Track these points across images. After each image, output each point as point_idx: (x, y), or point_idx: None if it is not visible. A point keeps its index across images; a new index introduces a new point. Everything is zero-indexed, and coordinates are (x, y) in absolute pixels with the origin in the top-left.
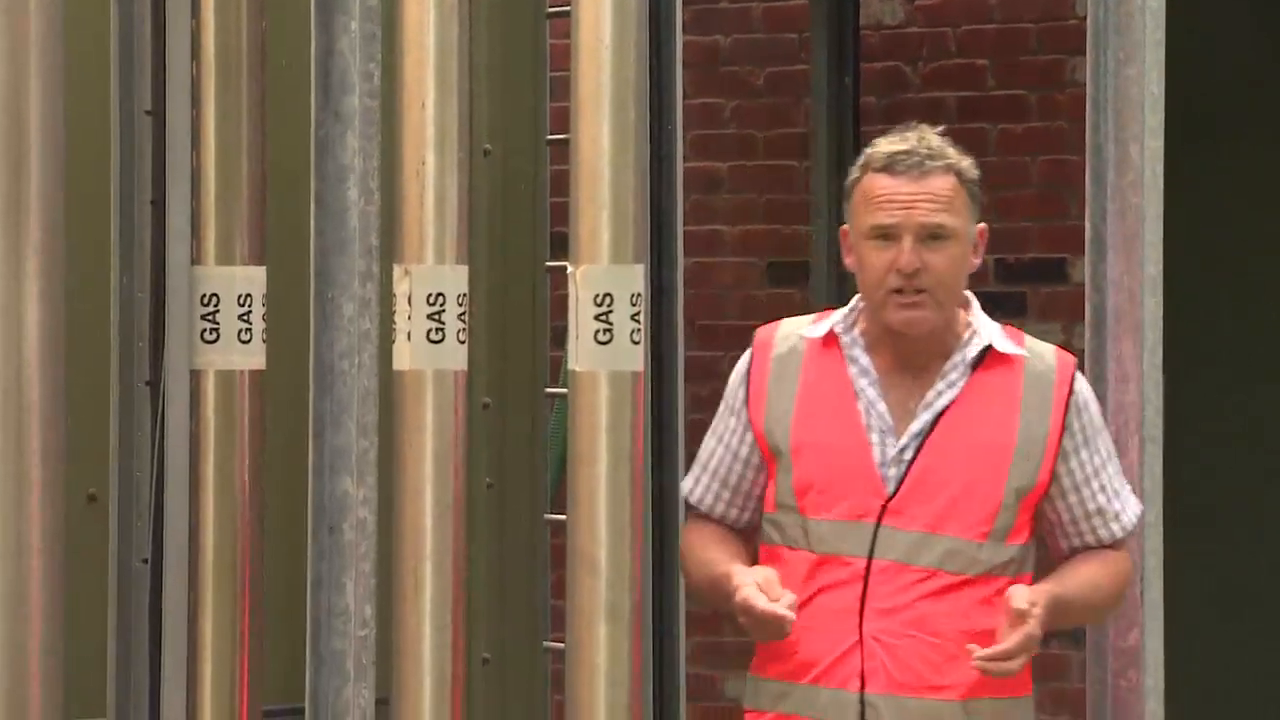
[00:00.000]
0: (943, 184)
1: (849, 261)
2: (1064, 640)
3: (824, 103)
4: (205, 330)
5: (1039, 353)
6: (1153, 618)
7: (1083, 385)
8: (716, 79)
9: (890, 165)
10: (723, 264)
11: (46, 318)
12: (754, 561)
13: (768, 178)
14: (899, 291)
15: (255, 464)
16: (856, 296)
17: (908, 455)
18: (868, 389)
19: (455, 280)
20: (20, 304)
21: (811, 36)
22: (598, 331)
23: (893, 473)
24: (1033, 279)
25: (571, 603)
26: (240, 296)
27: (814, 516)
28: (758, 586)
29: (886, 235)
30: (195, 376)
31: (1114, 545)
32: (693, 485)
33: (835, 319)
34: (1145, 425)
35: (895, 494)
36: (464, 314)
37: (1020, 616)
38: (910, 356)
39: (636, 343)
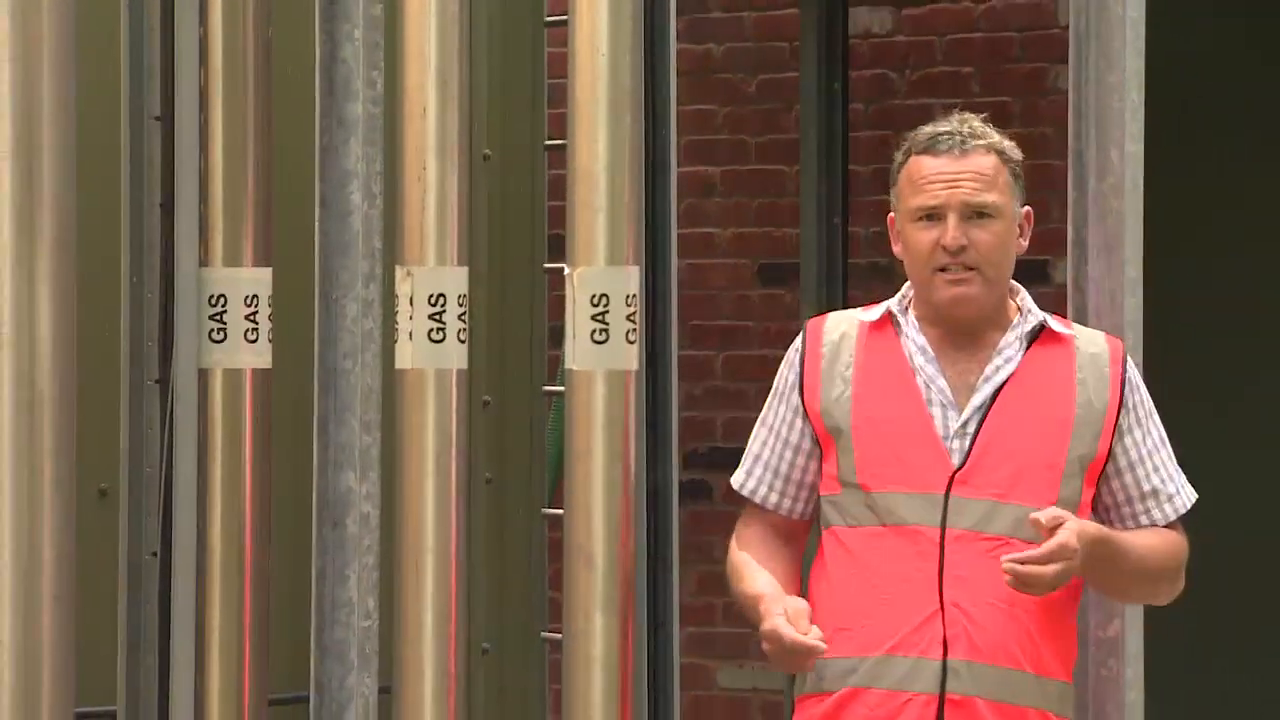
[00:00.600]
0: (986, 162)
1: (897, 249)
2: None
3: (813, 109)
4: (213, 330)
5: (1089, 336)
6: (1133, 609)
7: (1134, 367)
8: (709, 86)
9: (933, 146)
10: (715, 265)
11: (59, 317)
12: (798, 568)
13: (759, 182)
14: (945, 270)
15: (261, 460)
16: (906, 285)
17: (971, 428)
18: (925, 366)
19: (455, 281)
20: (33, 304)
21: (801, 45)
22: (594, 331)
23: (957, 445)
24: (1016, 280)
25: (568, 594)
26: (247, 297)
27: (880, 490)
28: (786, 618)
29: (932, 215)
30: (203, 375)
31: (1169, 528)
32: (744, 478)
33: (889, 303)
34: None
35: (962, 465)
36: (464, 314)
37: (1050, 526)
38: (964, 335)
39: (632, 342)
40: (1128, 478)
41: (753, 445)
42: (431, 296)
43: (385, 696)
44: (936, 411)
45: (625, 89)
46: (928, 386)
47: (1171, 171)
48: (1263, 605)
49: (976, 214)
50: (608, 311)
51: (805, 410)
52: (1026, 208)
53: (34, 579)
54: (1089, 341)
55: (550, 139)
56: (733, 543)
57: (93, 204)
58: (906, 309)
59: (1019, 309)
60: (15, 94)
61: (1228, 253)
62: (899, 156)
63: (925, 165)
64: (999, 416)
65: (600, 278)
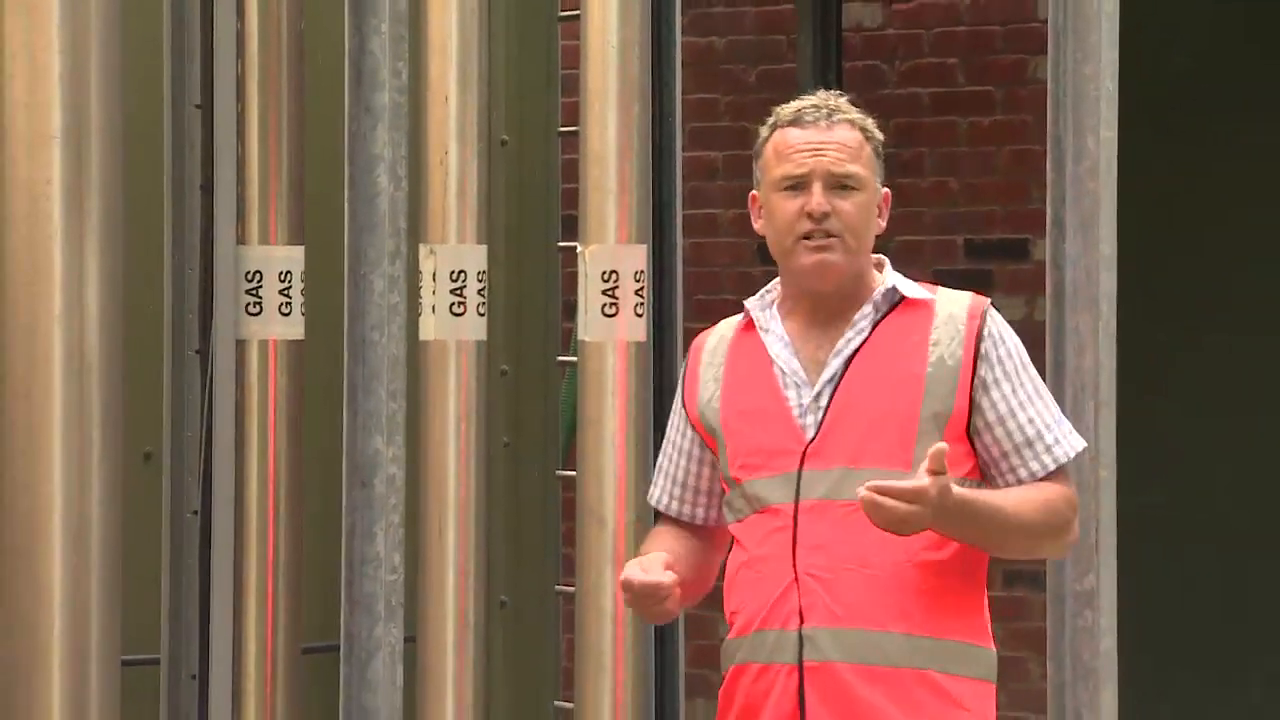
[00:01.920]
0: (850, 136)
1: (758, 226)
2: (1026, 584)
3: None
4: (249, 304)
5: (951, 297)
6: (1107, 564)
7: (997, 321)
8: (712, 76)
9: (798, 118)
10: (718, 244)
11: (106, 292)
12: (708, 560)
13: None
14: (809, 237)
15: (294, 425)
16: (773, 281)
17: (823, 401)
18: (781, 351)
19: (475, 259)
20: (82, 280)
21: (798, 38)
22: (604, 305)
23: (810, 420)
24: (998, 257)
25: (580, 551)
26: (281, 273)
27: (748, 479)
28: (639, 566)
29: (797, 184)
30: (240, 346)
31: (1050, 478)
32: (653, 489)
33: (748, 303)
34: (1100, 390)
35: (814, 438)
36: (483, 289)
37: (935, 461)
38: (823, 312)
39: (640, 316)
40: (999, 430)
41: (660, 458)
42: (453, 273)
43: (410, 645)
44: (791, 393)
45: (633, 79)
46: (783, 372)
47: (1143, 156)
48: (1239, 560)
49: (840, 184)
50: (617, 287)
51: (689, 417)
52: (885, 189)
53: (83, 536)
54: (950, 302)
55: (563, 126)
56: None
57: (137, 186)
58: (771, 304)
59: (881, 281)
60: (65, 84)
61: (1202, 230)
62: (764, 131)
63: (791, 136)
64: (849, 386)
65: (610, 255)
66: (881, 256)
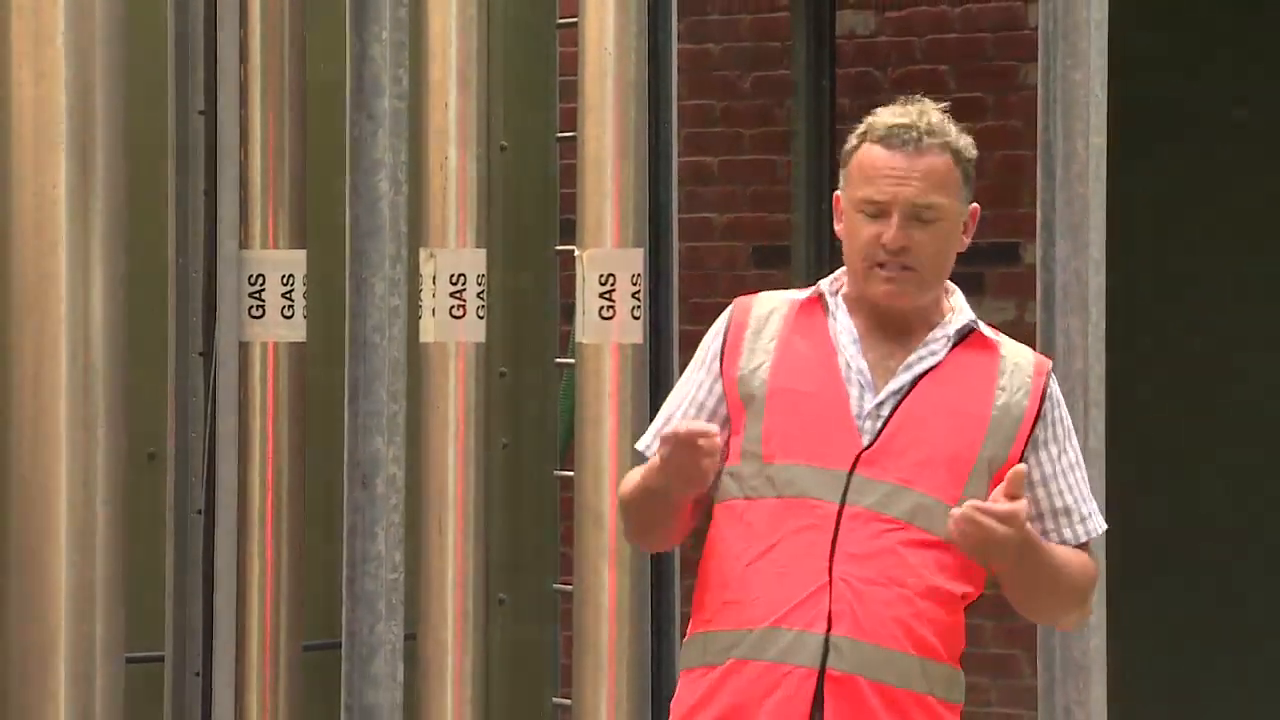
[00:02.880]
0: (938, 162)
1: (839, 228)
2: None
3: (804, 104)
4: (252, 307)
5: (1017, 349)
6: (1096, 562)
7: (1057, 387)
8: (708, 82)
9: (888, 138)
10: (713, 248)
11: (110, 296)
12: (695, 511)
13: (753, 171)
14: (882, 266)
15: (297, 426)
16: (841, 269)
17: (885, 411)
18: (849, 345)
19: (475, 262)
20: (88, 283)
21: (793, 45)
22: (602, 308)
23: (869, 425)
24: (990, 261)
25: (578, 550)
26: (283, 277)
27: (781, 461)
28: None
29: (877, 209)
30: (243, 348)
31: (1080, 549)
32: (650, 439)
33: (821, 284)
34: (1090, 391)
35: (871, 445)
36: (482, 292)
37: (1016, 485)
38: (893, 324)
39: (636, 318)
40: (1040, 491)
41: (664, 410)
42: (452, 276)
43: (411, 643)
44: (854, 391)
45: (630, 85)
46: (848, 366)
47: (1131, 161)
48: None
49: (921, 215)
50: (614, 290)
51: (723, 376)
52: (974, 205)
53: (88, 535)
54: (1015, 353)
55: (561, 131)
56: (620, 488)
57: (142, 190)
58: (838, 292)
59: (952, 309)
60: (70, 89)
61: (1181, 235)
62: (854, 139)
63: (877, 157)
64: (914, 404)
65: (608, 259)
66: (952, 285)
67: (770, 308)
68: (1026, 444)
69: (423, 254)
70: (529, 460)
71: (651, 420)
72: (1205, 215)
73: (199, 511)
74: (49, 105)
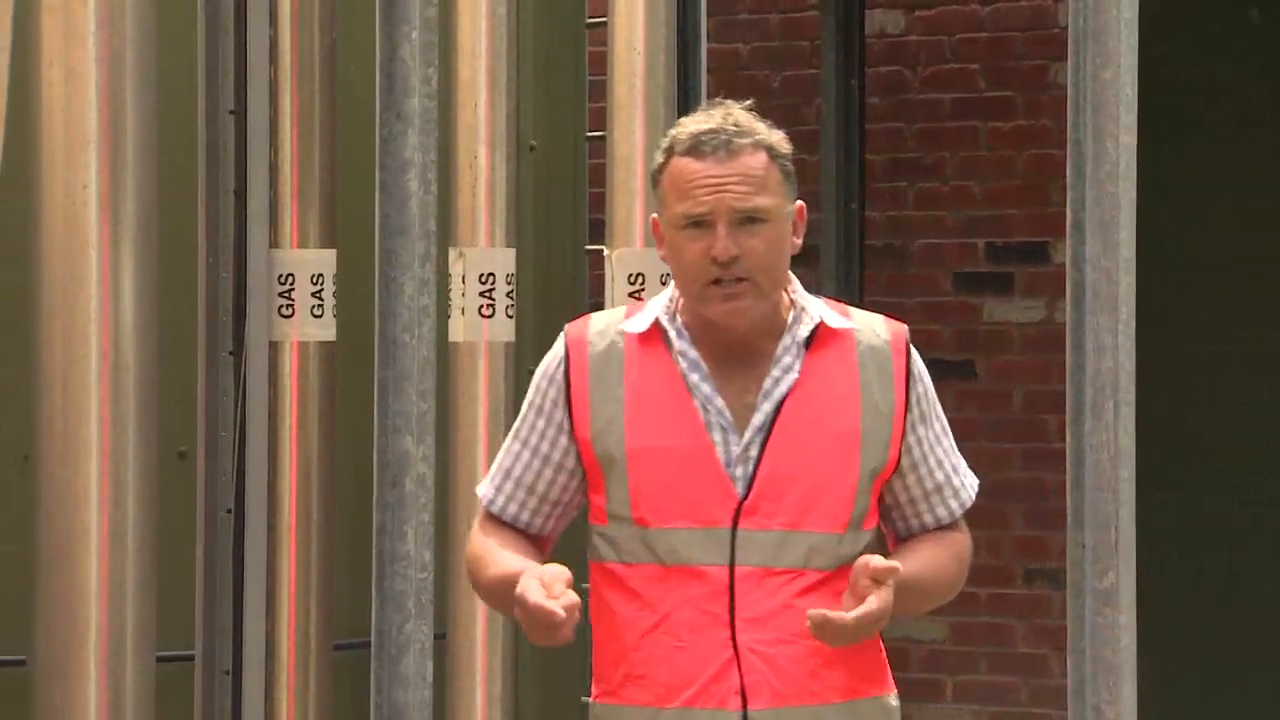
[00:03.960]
0: (754, 162)
1: (663, 253)
2: (1046, 581)
3: (833, 103)
4: (282, 306)
5: (868, 324)
6: (1126, 562)
7: (917, 355)
8: (737, 82)
9: (696, 147)
10: None
11: (142, 294)
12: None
13: None
14: (718, 283)
15: (326, 425)
16: (673, 285)
17: (753, 451)
18: (701, 384)
19: (504, 262)
20: (119, 282)
21: (822, 44)
22: None
23: (740, 472)
24: (1019, 260)
25: None
26: (313, 276)
27: (659, 526)
28: (540, 581)
29: (699, 223)
30: (273, 347)
31: (953, 525)
32: (493, 493)
33: (655, 311)
34: (1120, 390)
35: (747, 495)
36: (511, 291)
37: (876, 579)
38: (738, 346)
39: None
40: (911, 477)
41: (504, 459)
42: (482, 275)
43: (440, 642)
44: (717, 436)
45: (660, 85)
46: (705, 408)
47: (1162, 161)
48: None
49: (747, 219)
50: (643, 289)
51: (574, 433)
52: (799, 203)
53: (119, 534)
54: (869, 332)
55: (590, 131)
56: (474, 538)
57: (172, 190)
58: (675, 316)
59: (791, 304)
60: (101, 90)
61: (1211, 233)
62: (659, 156)
63: (689, 169)
64: (783, 436)
65: (636, 258)
66: (789, 273)
67: (607, 342)
68: (903, 437)
69: (452, 253)
70: None
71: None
72: (1214, 212)
73: (229, 510)
74: (79, 105)
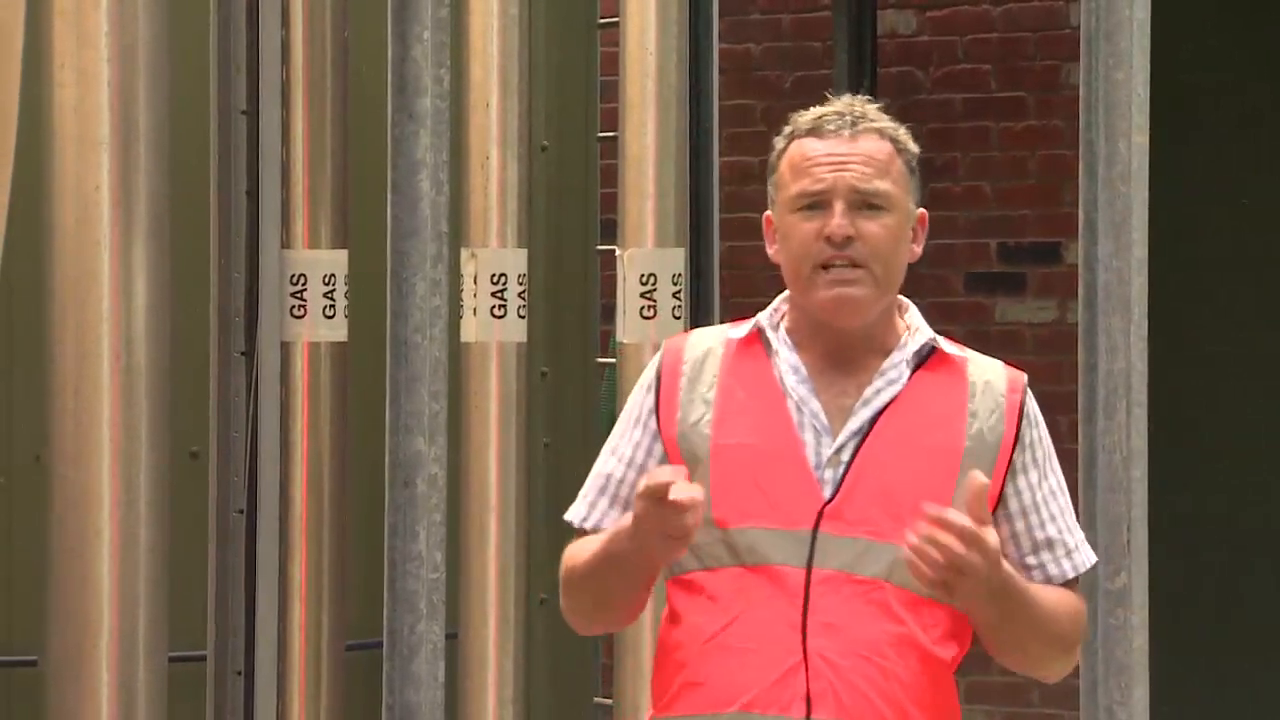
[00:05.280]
0: (879, 148)
1: (773, 252)
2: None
3: None
4: (294, 306)
5: (984, 364)
6: (1138, 563)
7: (1034, 403)
8: (749, 82)
9: (818, 127)
10: (753, 247)
11: (153, 294)
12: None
13: None
14: (828, 268)
15: (338, 425)
16: (780, 296)
17: (845, 455)
18: (798, 386)
19: (516, 262)
20: (131, 283)
21: (834, 44)
22: (643, 308)
23: (829, 475)
24: (1031, 260)
25: None
26: (325, 277)
27: (738, 525)
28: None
29: (815, 202)
30: (285, 348)
31: (1067, 586)
32: (586, 511)
33: (759, 318)
34: (1132, 391)
35: (833, 497)
36: (524, 292)
37: (975, 499)
38: (844, 353)
39: (678, 318)
40: (1020, 524)
41: (595, 476)
42: (494, 276)
43: (452, 642)
44: (808, 437)
45: (671, 85)
46: (799, 410)
47: (1173, 161)
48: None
49: (866, 203)
50: (655, 289)
51: (661, 435)
52: (922, 210)
53: (132, 534)
54: (985, 370)
55: (602, 131)
56: (569, 552)
57: (184, 190)
58: (779, 324)
59: (907, 327)
60: (113, 90)
61: (1223, 233)
62: (779, 142)
63: (809, 148)
64: (877, 444)
65: (649, 258)
66: (904, 299)
67: (705, 348)
68: (1006, 474)
69: (464, 254)
70: (570, 460)
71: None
72: (1252, 213)
73: (241, 511)
74: (91, 106)
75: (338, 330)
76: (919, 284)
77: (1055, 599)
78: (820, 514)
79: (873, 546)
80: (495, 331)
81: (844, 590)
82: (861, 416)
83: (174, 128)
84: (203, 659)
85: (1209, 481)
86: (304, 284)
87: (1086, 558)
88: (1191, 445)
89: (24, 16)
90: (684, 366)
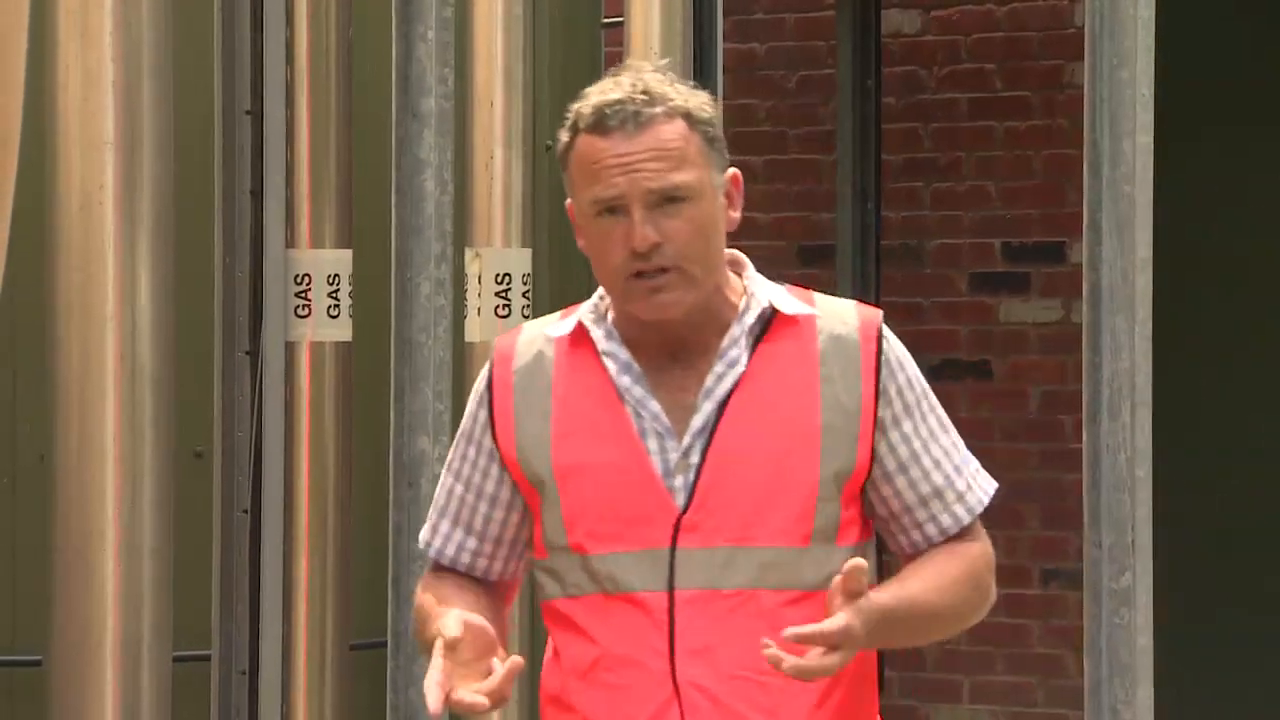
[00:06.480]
0: (669, 133)
1: (582, 244)
2: (1063, 582)
3: (849, 103)
4: (298, 306)
5: (834, 310)
6: (1143, 562)
7: (894, 343)
8: (753, 82)
9: (600, 122)
10: (758, 246)
11: (158, 294)
12: (502, 614)
13: (798, 170)
14: (640, 276)
15: (342, 425)
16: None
17: (694, 458)
18: (632, 387)
19: (520, 262)
20: (135, 283)
21: (838, 44)
22: None
23: (679, 482)
24: (1035, 260)
25: None
26: (329, 276)
27: (595, 552)
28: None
29: (611, 208)
30: (290, 347)
31: (963, 534)
32: (430, 535)
33: (582, 311)
34: (1136, 390)
35: (688, 507)
36: (528, 292)
37: (855, 580)
38: (678, 342)
39: None
40: (900, 480)
41: (438, 497)
42: (498, 275)
43: None
44: (652, 444)
45: None
46: (638, 413)
47: (1178, 160)
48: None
49: (665, 200)
50: None
51: (500, 456)
52: (732, 170)
53: (136, 534)
54: (834, 319)
55: None
56: (417, 592)
57: (188, 190)
58: (605, 315)
59: (743, 292)
60: (117, 90)
61: (1229, 234)
62: (564, 134)
63: (596, 149)
64: (727, 438)
65: None
66: (738, 254)
67: (535, 351)
68: (874, 434)
69: (468, 253)
70: None
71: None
72: (1256, 214)
73: (245, 510)
74: (95, 106)
75: (342, 330)
76: (924, 284)
77: (946, 578)
78: (676, 528)
79: (735, 554)
80: (499, 331)
81: (712, 608)
82: (705, 411)
83: (178, 128)
84: (207, 658)
85: (1215, 482)
86: (308, 284)
87: (981, 494)
88: (1196, 445)
89: (28, 17)
90: (514, 377)
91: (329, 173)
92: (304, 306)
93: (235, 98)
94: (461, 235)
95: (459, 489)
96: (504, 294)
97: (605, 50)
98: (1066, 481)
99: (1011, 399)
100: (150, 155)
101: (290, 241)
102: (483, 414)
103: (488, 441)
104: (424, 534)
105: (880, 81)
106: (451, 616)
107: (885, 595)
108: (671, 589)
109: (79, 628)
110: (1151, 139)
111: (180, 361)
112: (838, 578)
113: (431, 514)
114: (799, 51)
